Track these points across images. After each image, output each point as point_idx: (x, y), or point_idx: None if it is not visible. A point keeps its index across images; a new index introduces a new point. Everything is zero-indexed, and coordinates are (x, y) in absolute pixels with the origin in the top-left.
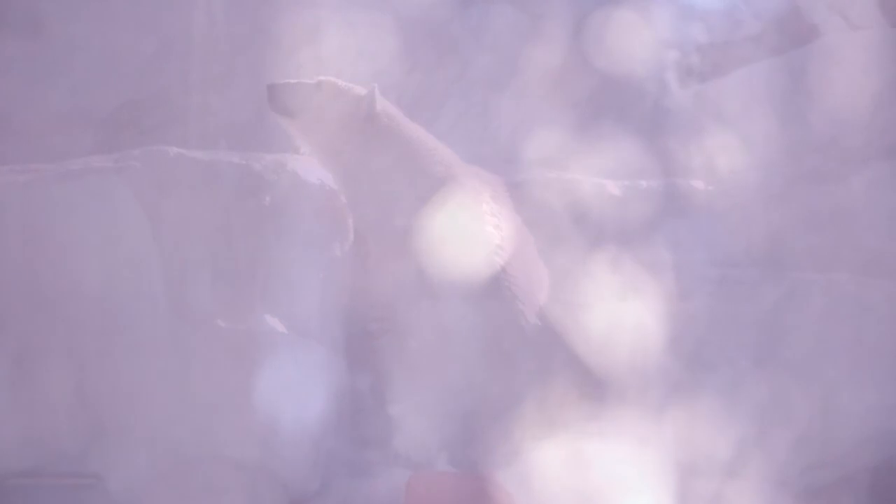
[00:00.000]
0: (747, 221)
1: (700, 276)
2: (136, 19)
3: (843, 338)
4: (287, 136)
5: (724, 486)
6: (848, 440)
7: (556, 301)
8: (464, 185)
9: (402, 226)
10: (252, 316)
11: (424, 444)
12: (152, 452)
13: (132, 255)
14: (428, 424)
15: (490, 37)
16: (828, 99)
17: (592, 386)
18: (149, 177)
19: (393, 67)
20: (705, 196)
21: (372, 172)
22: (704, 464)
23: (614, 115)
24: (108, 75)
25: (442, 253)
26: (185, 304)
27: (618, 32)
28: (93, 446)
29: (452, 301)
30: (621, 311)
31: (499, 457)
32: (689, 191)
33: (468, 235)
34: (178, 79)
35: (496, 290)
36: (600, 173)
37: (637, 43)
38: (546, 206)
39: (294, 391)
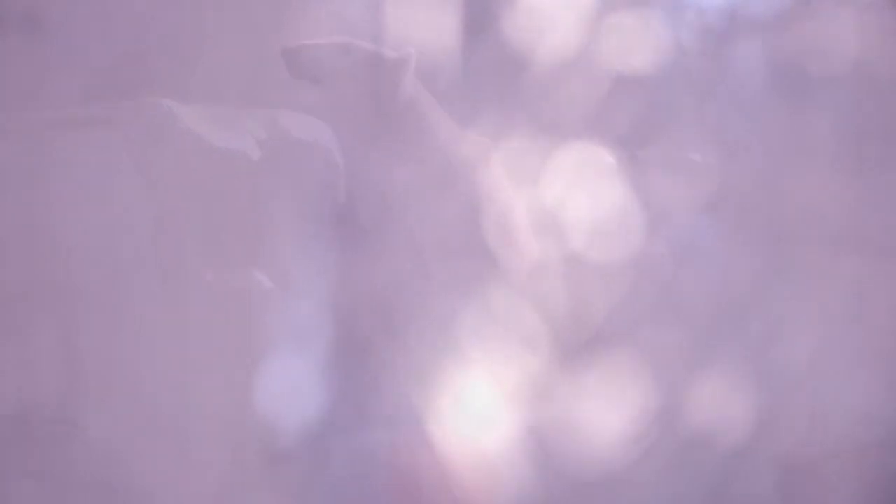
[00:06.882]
0: (744, 195)
1: (691, 246)
2: None
3: (836, 318)
4: (289, 94)
5: (708, 458)
6: (837, 417)
7: (554, 278)
8: (471, 160)
9: (404, 201)
10: (240, 271)
11: (408, 405)
12: (133, 404)
13: (121, 207)
14: (413, 386)
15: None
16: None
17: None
18: (140, 128)
19: (414, 38)
20: (702, 168)
21: (383, 140)
22: (689, 436)
23: (617, 80)
24: (105, 27)
25: (443, 232)
26: (172, 257)
27: None
28: (74, 396)
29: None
30: (610, 277)
31: (483, 421)
32: (685, 162)
33: (471, 211)
34: (174, 31)
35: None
36: (601, 141)
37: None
38: (540, 174)
39: (278, 347)
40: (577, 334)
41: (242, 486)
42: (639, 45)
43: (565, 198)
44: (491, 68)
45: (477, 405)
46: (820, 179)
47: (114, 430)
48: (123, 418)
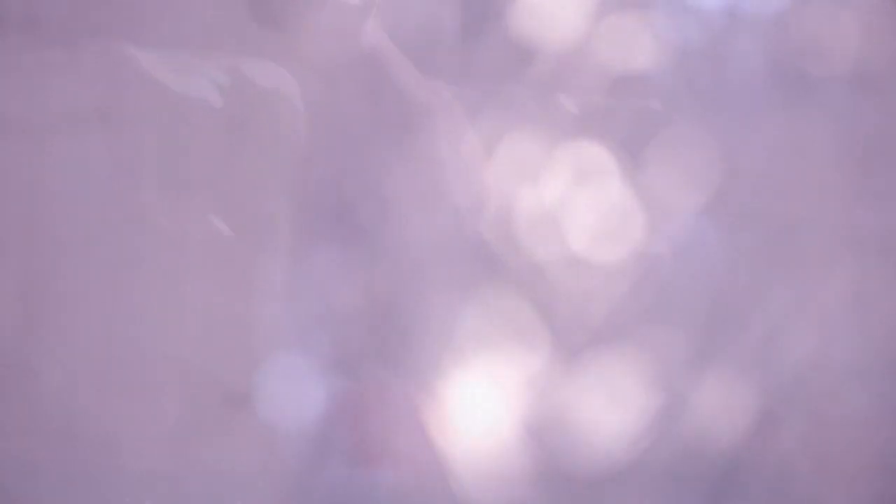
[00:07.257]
0: (744, 195)
1: (691, 246)
2: None
3: (836, 318)
4: (252, 40)
5: (707, 458)
6: (837, 418)
7: (554, 278)
8: (431, 107)
9: (368, 148)
10: (198, 218)
11: (361, 352)
12: (88, 348)
13: (79, 152)
14: (366, 335)
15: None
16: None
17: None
18: (100, 73)
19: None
20: (702, 168)
21: (346, 86)
22: (689, 436)
23: (617, 79)
24: None
25: (421, 202)
26: (130, 203)
27: None
28: (29, 340)
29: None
30: (610, 277)
31: (482, 420)
32: (685, 162)
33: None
34: None
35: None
36: (600, 140)
37: (647, 4)
38: (540, 173)
39: (233, 292)
40: (577, 334)
41: (202, 432)
42: (639, 45)
43: (565, 197)
44: (490, 67)
45: (476, 405)
46: (819, 179)
47: (67, 374)
48: (77, 363)
